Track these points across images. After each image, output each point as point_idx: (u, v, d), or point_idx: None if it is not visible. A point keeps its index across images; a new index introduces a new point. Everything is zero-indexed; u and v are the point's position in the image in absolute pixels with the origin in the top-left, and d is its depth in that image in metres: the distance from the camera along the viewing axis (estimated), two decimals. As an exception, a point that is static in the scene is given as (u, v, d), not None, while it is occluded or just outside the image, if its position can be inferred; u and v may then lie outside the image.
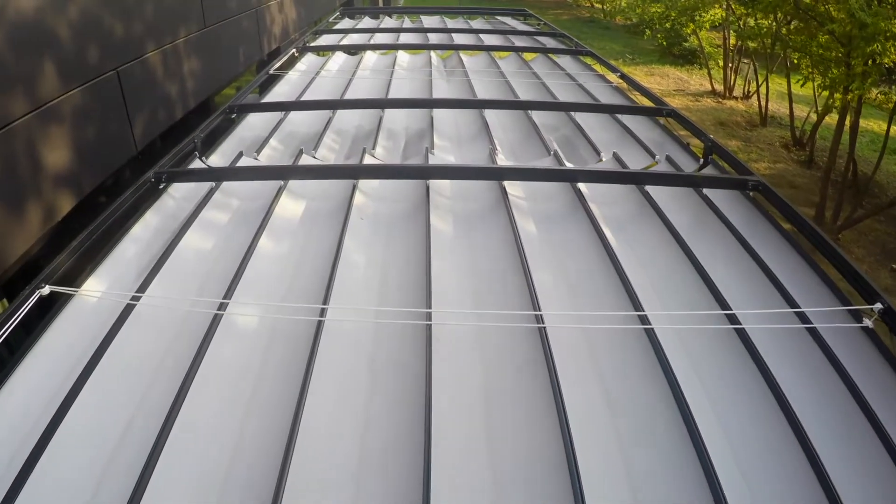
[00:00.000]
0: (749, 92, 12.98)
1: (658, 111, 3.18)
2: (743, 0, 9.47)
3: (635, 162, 2.74)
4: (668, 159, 2.67)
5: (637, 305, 1.57)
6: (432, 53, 4.87)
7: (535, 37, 5.85)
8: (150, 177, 2.29)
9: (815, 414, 1.36)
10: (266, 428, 1.33)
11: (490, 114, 3.22)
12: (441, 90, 3.91)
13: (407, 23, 6.98)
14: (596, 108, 3.19)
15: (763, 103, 11.40)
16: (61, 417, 1.30)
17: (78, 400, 1.36)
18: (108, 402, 1.42)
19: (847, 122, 7.62)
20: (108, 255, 1.87)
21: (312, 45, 5.02)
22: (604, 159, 2.68)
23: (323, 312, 1.51)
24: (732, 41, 12.83)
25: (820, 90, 7.54)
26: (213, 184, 2.28)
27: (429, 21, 7.08)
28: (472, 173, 2.16)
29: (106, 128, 3.14)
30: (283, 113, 3.16)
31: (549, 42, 5.64)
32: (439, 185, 2.22)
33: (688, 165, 2.78)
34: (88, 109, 2.98)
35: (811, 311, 1.65)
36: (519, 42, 5.62)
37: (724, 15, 11.70)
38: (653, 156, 2.77)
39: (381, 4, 15.63)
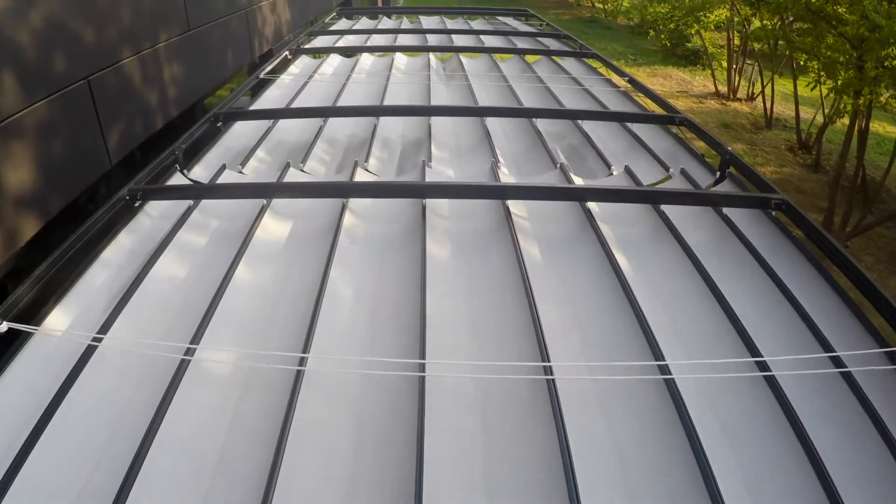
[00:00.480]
0: (753, 93, 12.81)
1: (670, 119, 3.00)
2: (749, 0, 9.29)
3: (647, 175, 2.56)
4: (683, 173, 2.49)
5: (656, 352, 1.40)
6: (431, 56, 4.68)
7: (538, 38, 5.67)
8: (124, 194, 2.11)
9: (856, 482, 1.19)
10: (236, 499, 1.16)
11: (492, 121, 3.04)
12: (440, 95, 3.73)
13: (405, 23, 6.79)
14: (604, 116, 3.01)
15: (768, 105, 11.22)
16: (10, 480, 1.14)
17: (29, 459, 1.20)
18: (62, 462, 1.25)
19: (856, 126, 7.44)
20: (74, 283, 1.70)
21: (306, 46, 4.84)
22: (614, 173, 2.50)
23: (303, 361, 1.33)
24: (737, 42, 12.65)
25: (829, 93, 7.36)
26: (192, 201, 2.10)
27: (428, 22, 6.89)
28: (473, 192, 1.98)
29: (76, 142, 2.92)
30: (272, 121, 2.98)
31: (553, 44, 5.46)
32: (436, 204, 2.04)
33: (703, 179, 2.60)
34: (55, 123, 2.77)
35: (846, 355, 1.48)
36: (521, 43, 5.43)
37: (728, 15, 11.51)
38: (666, 169, 2.59)
39: (380, 4, 15.43)
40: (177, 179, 2.41)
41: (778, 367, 1.44)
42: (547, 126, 3.07)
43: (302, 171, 2.46)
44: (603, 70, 4.52)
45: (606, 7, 21.74)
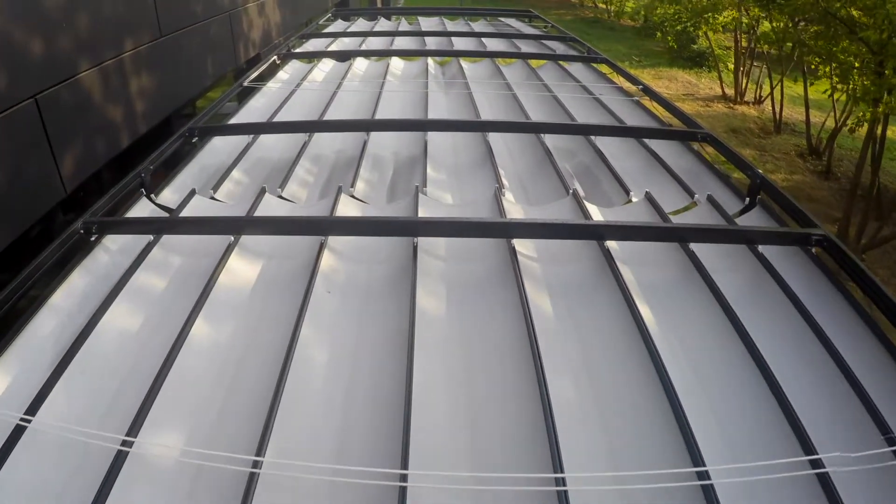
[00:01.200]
0: (761, 97, 12.51)
1: (691, 135, 2.72)
2: (761, 2, 8.99)
3: (670, 201, 2.28)
4: (711, 200, 2.20)
5: (694, 453, 1.11)
6: (430, 60, 4.40)
7: (543, 41, 5.38)
8: (77, 227, 1.84)
9: None
10: None
11: (495, 136, 2.75)
12: (438, 105, 3.44)
13: (404, 25, 6.50)
14: (620, 131, 2.73)
15: (777, 109, 10.93)
16: None
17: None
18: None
19: (872, 135, 7.14)
20: (17, 335, 1.45)
21: (297, 50, 4.55)
22: (633, 199, 2.22)
23: (258, 464, 1.05)
24: (744, 43, 12.35)
25: (846, 100, 7.07)
26: (153, 236, 1.83)
27: (427, 23, 6.60)
28: (472, 229, 1.70)
29: (22, 170, 2.60)
30: (252, 136, 2.70)
31: (559, 47, 5.16)
32: (431, 243, 1.76)
33: (730, 205, 2.32)
34: (-5, 149, 2.47)
35: None
36: (525, 47, 5.14)
37: (736, 16, 11.20)
38: (691, 194, 2.30)
39: (379, 5, 15.12)
40: (142, 207, 2.14)
41: (834, 463, 1.16)
42: (556, 141, 2.78)
43: (280, 196, 2.18)
44: (614, 76, 4.24)
45: (610, 8, 21.43)
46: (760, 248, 1.88)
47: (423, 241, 1.72)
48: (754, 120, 11.55)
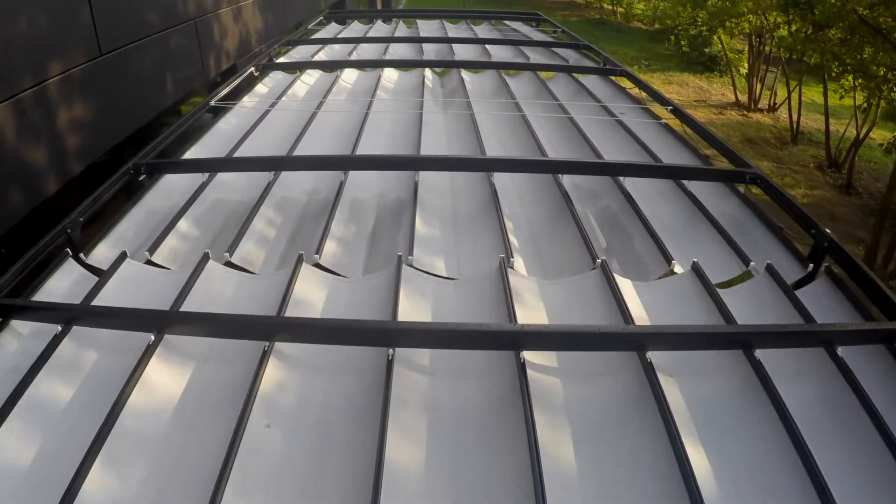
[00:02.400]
0: (775, 103, 12.00)
1: (739, 176, 2.24)
2: (783, 7, 8.50)
3: (718, 268, 1.80)
4: (770, 270, 1.73)
5: None
6: (427, 71, 3.92)
7: (553, 49, 4.88)
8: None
9: None
10: None
11: (503, 174, 2.27)
12: (435, 128, 2.96)
13: (402, 29, 6.01)
14: (655, 171, 2.25)
15: (794, 118, 10.42)
16: None
17: None
18: None
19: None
20: None
21: (280, 60, 4.08)
22: (676, 270, 1.74)
23: None
24: (767, 49, 11.82)
25: (874, 110, 6.58)
26: (60, 326, 1.38)
27: (427, 27, 6.11)
28: (470, 339, 1.22)
29: None
30: (209, 174, 2.24)
31: (571, 56, 4.67)
32: (411, 354, 1.28)
33: (790, 271, 1.84)
34: None
35: None
36: (534, 55, 4.66)
37: (754, 21, 10.67)
38: (744, 260, 1.83)
39: (379, 6, 14.58)
40: (66, 271, 1.69)
41: None
42: (577, 179, 2.31)
43: (228, 262, 1.71)
44: (635, 91, 3.76)
45: (617, 9, 20.91)
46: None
47: (402, 351, 1.25)
48: (770, 129, 11.04)
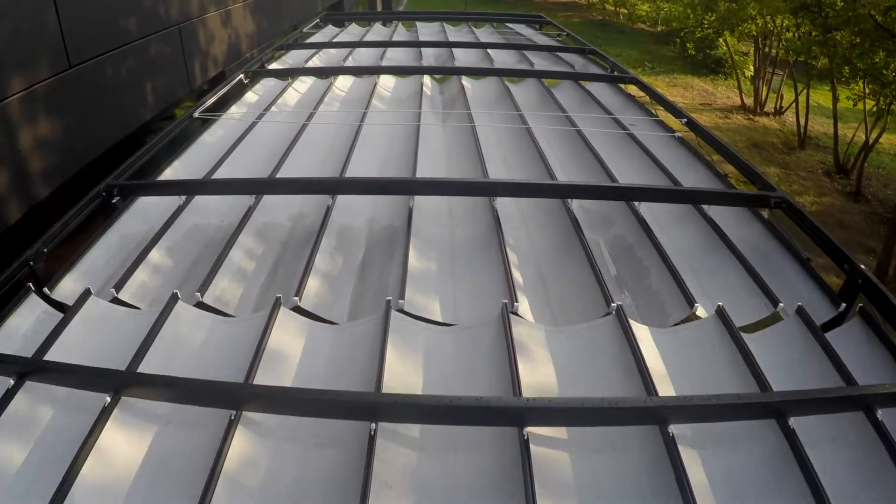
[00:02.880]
0: (781, 107, 11.80)
1: (763, 200, 2.05)
2: (794, 10, 8.30)
3: (744, 310, 1.62)
4: (801, 314, 1.54)
5: None
6: (426, 78, 3.73)
7: (558, 53, 4.69)
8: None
9: None
10: None
11: (505, 199, 2.08)
12: (433, 141, 2.77)
13: (401, 32, 5.82)
14: (671, 195, 2.06)
15: (802, 122, 10.21)
16: None
17: None
18: None
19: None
20: None
21: (271, 66, 3.89)
22: (699, 313, 1.56)
23: None
24: (774, 52, 11.62)
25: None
26: (13, 380, 1.22)
27: (426, 31, 5.92)
28: (467, 415, 1.04)
29: None
30: (185, 196, 2.06)
31: (577, 61, 4.47)
32: (397, 429, 1.10)
33: (819, 310, 1.66)
34: None
35: None
36: (538, 61, 4.47)
37: (761, 23, 10.46)
38: (773, 302, 1.64)
39: (379, 7, 14.37)
40: (29, 307, 1.54)
41: None
42: (586, 203, 2.12)
43: (200, 303, 1.53)
44: (644, 98, 3.57)
45: (620, 10, 20.70)
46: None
47: (387, 424, 1.07)
48: (776, 133, 10.84)
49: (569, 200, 2.00)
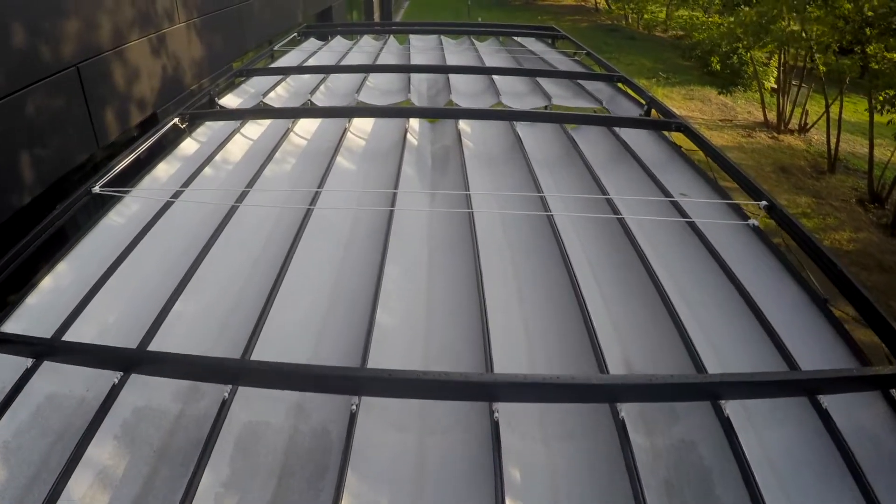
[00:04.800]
0: (806, 123, 10.96)
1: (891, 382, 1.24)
2: (836, 24, 7.48)
3: None
4: None
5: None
6: (411, 122, 2.92)
7: (580, 81, 3.86)
8: None
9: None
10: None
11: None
12: (409, 239, 1.96)
13: (391, 48, 4.97)
14: (779, 387, 1.24)
15: (832, 143, 9.38)
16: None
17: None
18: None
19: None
20: None
21: (223, 99, 3.07)
22: None
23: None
24: (791, 62, 10.78)
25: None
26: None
27: (422, 46, 5.07)
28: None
29: None
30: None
31: (603, 92, 3.64)
32: None
33: None
34: None
35: None
36: (557, 90, 3.65)
37: (797, 31, 9.55)
38: None
39: (376, 12, 13.46)
40: None
41: None
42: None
43: None
44: (697, 152, 2.76)
45: (630, 15, 19.86)
46: None
47: None
48: (803, 154, 10.01)
49: (619, 407, 1.18)
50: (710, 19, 12.52)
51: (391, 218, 1.93)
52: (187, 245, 1.81)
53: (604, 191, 2.26)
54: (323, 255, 1.78)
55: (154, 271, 1.69)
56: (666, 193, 2.33)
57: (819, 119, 10.67)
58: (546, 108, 3.43)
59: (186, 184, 2.18)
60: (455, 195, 2.21)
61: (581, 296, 1.54)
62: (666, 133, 2.89)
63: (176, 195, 2.04)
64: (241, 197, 2.01)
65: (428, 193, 2.29)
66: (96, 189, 2.05)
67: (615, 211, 2.03)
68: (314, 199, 1.98)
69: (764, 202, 2.11)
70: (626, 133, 2.92)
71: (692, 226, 2.01)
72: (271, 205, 2.03)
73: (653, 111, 3.25)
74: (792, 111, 10.93)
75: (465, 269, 1.72)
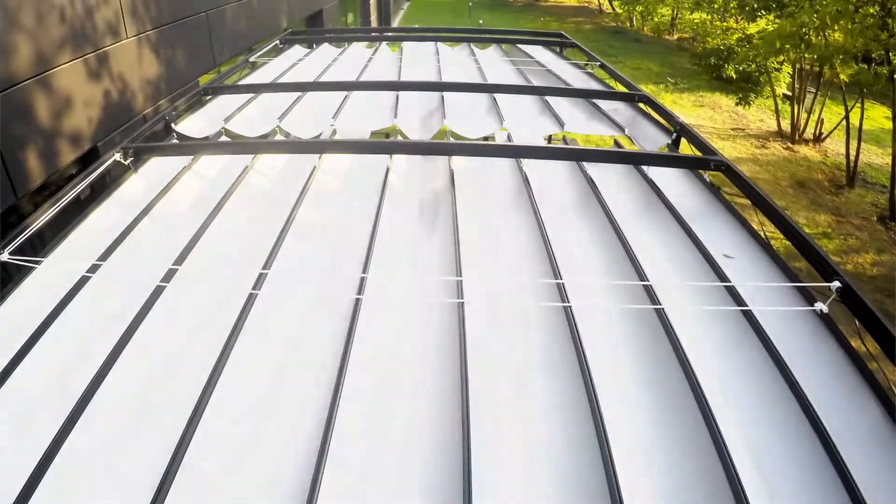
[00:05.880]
0: (821, 133, 10.46)
1: None
2: (866, 31, 6.98)
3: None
4: None
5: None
6: (395, 159, 2.45)
7: (596, 101, 3.37)
8: None
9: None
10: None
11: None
12: (384, 326, 1.50)
13: (381, 57, 4.48)
14: None
15: (852, 156, 8.90)
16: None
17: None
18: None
19: None
20: None
21: (179, 125, 2.59)
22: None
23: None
24: (807, 67, 10.29)
25: None
26: None
27: (416, 54, 4.58)
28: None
29: None
30: None
31: (625, 115, 3.15)
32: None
33: None
34: None
35: None
36: (572, 112, 3.17)
37: (815, 41, 9.04)
38: None
39: (373, 15, 12.95)
40: None
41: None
42: None
43: None
44: (741, 198, 2.29)
45: (636, 17, 19.35)
46: None
47: None
48: (819, 167, 9.53)
49: None
50: (724, 24, 11.98)
51: (357, 309, 1.46)
52: (103, 328, 1.34)
53: (633, 260, 1.79)
54: (272, 339, 1.32)
55: (59, 371, 1.23)
56: (706, 256, 1.86)
57: (835, 129, 10.19)
58: (561, 138, 2.96)
59: (117, 242, 1.73)
60: (443, 263, 1.74)
61: (605, 433, 1.08)
62: (704, 173, 2.42)
63: (103, 257, 1.59)
64: (168, 276, 1.54)
65: (409, 254, 1.82)
66: (4, 256, 1.62)
67: (652, 299, 1.56)
68: (258, 281, 1.51)
69: (837, 283, 1.63)
70: (654, 169, 2.46)
71: (751, 320, 1.54)
72: (207, 283, 1.56)
73: (682, 139, 2.79)
74: (807, 120, 10.44)
75: (450, 392, 1.25)
